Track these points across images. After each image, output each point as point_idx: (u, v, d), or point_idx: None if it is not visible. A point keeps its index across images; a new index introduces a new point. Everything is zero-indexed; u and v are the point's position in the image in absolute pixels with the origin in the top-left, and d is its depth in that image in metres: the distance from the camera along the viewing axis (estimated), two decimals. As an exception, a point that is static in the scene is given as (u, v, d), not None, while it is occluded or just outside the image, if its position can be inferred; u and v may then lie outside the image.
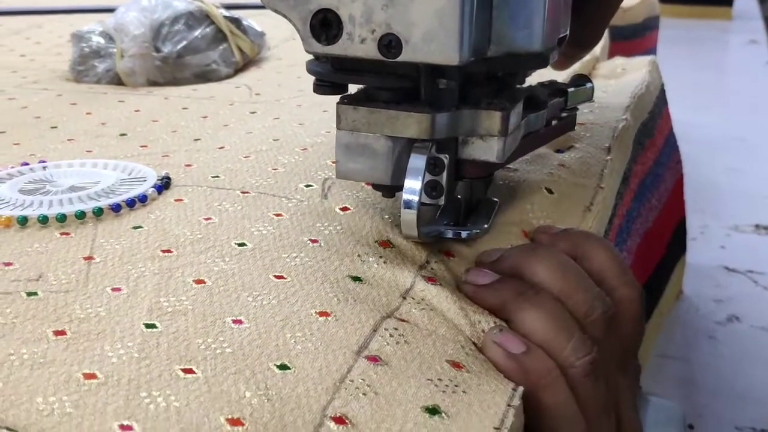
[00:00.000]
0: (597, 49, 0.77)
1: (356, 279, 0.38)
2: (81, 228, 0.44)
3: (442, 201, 0.38)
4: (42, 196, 0.47)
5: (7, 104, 0.68)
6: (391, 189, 0.39)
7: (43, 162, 0.53)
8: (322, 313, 0.35)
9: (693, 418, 0.76)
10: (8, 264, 0.40)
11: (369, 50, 0.34)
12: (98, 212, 0.45)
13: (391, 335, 0.34)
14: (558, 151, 0.52)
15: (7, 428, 0.30)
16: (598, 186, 0.48)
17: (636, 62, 0.75)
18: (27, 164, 0.53)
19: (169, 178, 0.49)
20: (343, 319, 0.35)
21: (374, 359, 0.33)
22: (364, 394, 0.31)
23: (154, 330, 0.35)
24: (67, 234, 0.43)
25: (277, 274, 0.38)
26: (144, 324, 0.35)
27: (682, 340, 0.89)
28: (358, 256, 0.40)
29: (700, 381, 0.83)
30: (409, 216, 0.37)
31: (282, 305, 0.36)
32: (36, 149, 0.57)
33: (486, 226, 0.42)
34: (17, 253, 0.41)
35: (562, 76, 0.54)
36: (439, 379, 0.32)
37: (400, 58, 0.34)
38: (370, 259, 0.39)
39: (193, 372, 0.32)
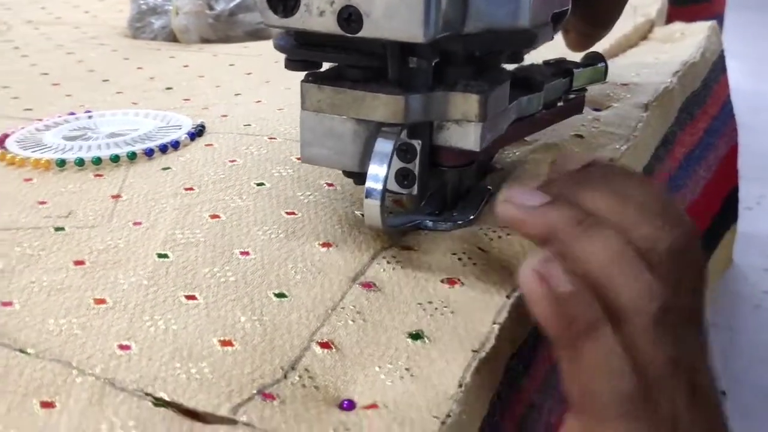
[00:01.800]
0: (652, 12, 0.75)
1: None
2: (114, 170, 0.46)
3: (414, 190, 0.34)
4: (82, 142, 0.50)
5: (65, 58, 0.71)
6: (361, 176, 0.34)
7: (89, 112, 0.56)
8: (325, 244, 0.36)
9: (730, 383, 0.74)
10: (42, 202, 0.42)
11: (328, 24, 0.30)
12: (132, 156, 0.47)
13: (388, 262, 0.35)
14: (595, 109, 0.51)
15: (20, 350, 0.31)
16: (631, 135, 0.47)
17: (695, 27, 0.72)
18: (73, 113, 0.55)
19: (203, 126, 0.51)
20: (344, 249, 0.36)
21: (368, 285, 0.34)
22: (353, 320, 0.32)
23: (166, 259, 0.36)
24: (100, 176, 0.45)
25: (289, 210, 0.39)
26: (157, 254, 0.36)
27: (728, 308, 0.86)
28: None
29: (741, 348, 0.81)
30: (372, 206, 0.33)
31: (289, 238, 0.37)
32: (86, 100, 0.59)
33: (472, 217, 0.37)
34: (52, 193, 0.43)
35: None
36: (429, 302, 0.32)
37: (360, 34, 0.30)
38: None
39: (195, 298, 0.34)
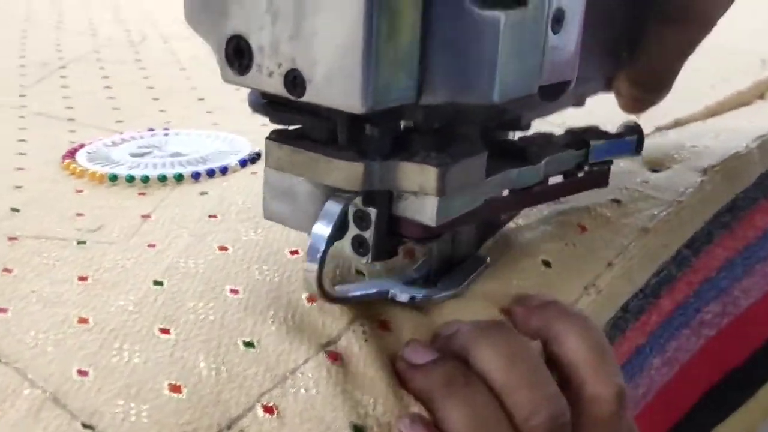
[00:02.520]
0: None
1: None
2: (158, 190, 0.47)
3: (369, 259, 0.32)
4: (146, 159, 0.51)
5: (177, 74, 0.74)
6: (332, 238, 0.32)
7: (167, 129, 0.57)
8: (312, 299, 0.35)
9: None
10: (80, 214, 0.44)
11: (276, 85, 0.29)
12: (178, 177, 0.48)
13: (364, 332, 0.33)
14: (653, 170, 0.47)
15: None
16: (675, 201, 0.43)
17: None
18: (152, 130, 0.57)
19: (258, 154, 0.51)
20: (329, 308, 0.34)
21: (335, 357, 0.32)
22: (306, 390, 0.30)
23: (159, 287, 0.36)
24: (144, 194, 0.46)
25: (293, 249, 0.38)
26: (153, 281, 0.37)
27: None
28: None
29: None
30: (309, 270, 0.31)
31: (282, 283, 0.36)
32: (175, 117, 0.62)
33: (450, 293, 0.35)
34: (92, 206, 0.45)
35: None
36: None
37: (304, 98, 0.29)
38: None
39: (168, 333, 0.33)
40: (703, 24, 0.39)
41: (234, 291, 0.36)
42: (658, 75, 0.40)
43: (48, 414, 0.29)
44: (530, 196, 0.36)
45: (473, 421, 0.30)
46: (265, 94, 0.31)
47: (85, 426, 0.29)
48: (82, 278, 0.37)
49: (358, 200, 0.32)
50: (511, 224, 0.41)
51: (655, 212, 0.42)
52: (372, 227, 0.32)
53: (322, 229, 0.31)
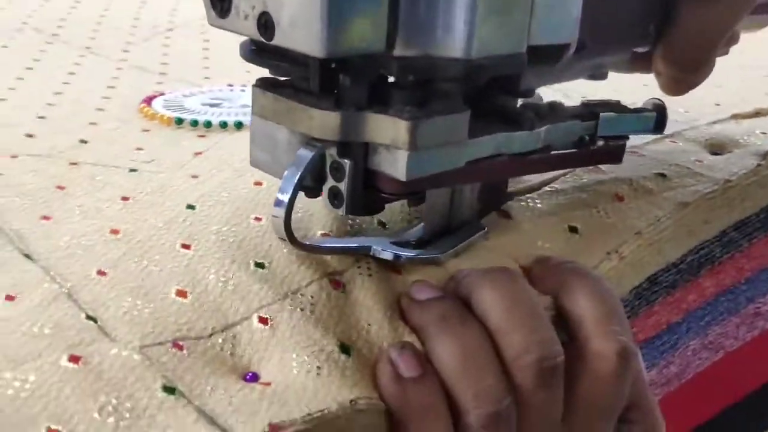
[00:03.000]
0: None
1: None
2: (218, 134, 0.49)
3: (342, 211, 0.32)
4: (214, 109, 0.53)
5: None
6: (313, 190, 0.33)
7: (244, 86, 0.60)
8: (326, 235, 0.36)
9: None
10: (139, 149, 0.46)
11: (250, 28, 0.29)
12: (238, 125, 0.50)
13: (369, 268, 0.34)
14: (714, 153, 0.45)
15: (26, 255, 0.35)
16: (724, 180, 0.41)
17: None
18: (231, 86, 0.60)
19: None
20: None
21: (337, 284, 0.33)
22: (302, 309, 0.31)
23: (191, 210, 0.38)
24: (203, 136, 0.49)
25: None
26: (186, 204, 0.38)
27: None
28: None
29: None
30: (277, 215, 0.31)
31: (304, 218, 0.37)
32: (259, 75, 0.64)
33: (437, 256, 0.34)
34: (153, 143, 0.47)
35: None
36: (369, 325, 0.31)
37: (273, 42, 0.28)
38: None
39: (189, 248, 0.35)
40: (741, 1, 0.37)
41: (257, 219, 0.37)
42: (694, 53, 0.39)
43: (58, 306, 0.31)
44: (525, 163, 0.35)
45: (461, 356, 0.30)
46: (253, 41, 0.32)
47: (88, 317, 0.30)
48: (125, 198, 0.40)
49: (335, 152, 0.31)
50: (546, 188, 0.41)
51: (700, 188, 0.40)
52: (346, 178, 0.31)
53: (292, 175, 0.31)
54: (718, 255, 0.42)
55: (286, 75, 0.32)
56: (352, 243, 0.34)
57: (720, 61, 0.40)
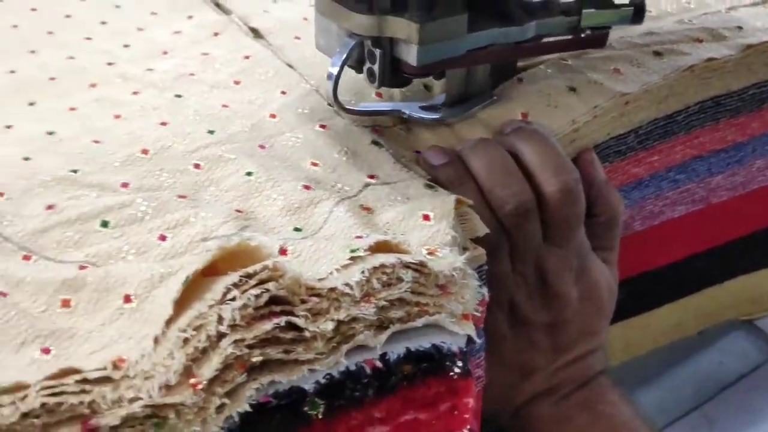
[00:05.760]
0: None
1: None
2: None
3: (377, 86, 0.45)
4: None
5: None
6: (355, 68, 0.46)
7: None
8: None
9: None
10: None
11: None
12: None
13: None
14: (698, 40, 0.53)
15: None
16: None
17: None
18: None
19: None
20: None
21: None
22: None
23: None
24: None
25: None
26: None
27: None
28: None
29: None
30: (328, 84, 0.44)
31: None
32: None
33: (439, 116, 0.47)
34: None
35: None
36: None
37: None
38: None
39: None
40: None
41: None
42: None
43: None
44: (517, 50, 0.47)
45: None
46: None
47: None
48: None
49: (370, 43, 0.44)
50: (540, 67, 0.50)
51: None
52: (377, 62, 0.44)
53: (339, 55, 0.44)
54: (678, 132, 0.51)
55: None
56: (388, 107, 0.48)
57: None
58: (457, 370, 0.35)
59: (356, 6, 0.43)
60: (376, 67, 0.44)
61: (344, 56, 0.44)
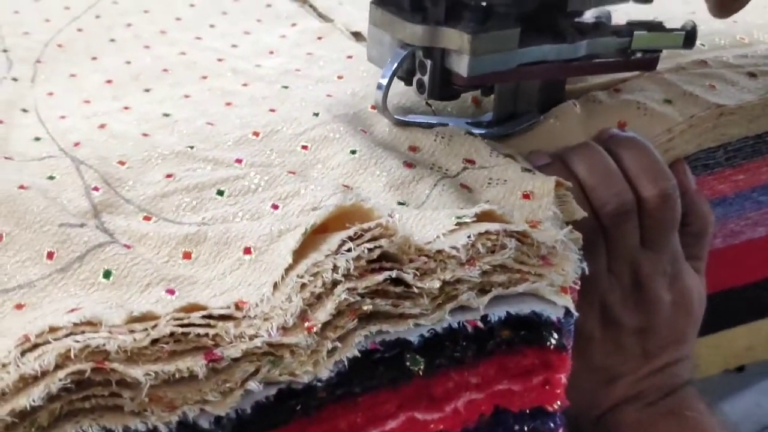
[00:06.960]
0: None
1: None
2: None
3: (426, 97, 0.45)
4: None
5: None
6: (405, 79, 0.46)
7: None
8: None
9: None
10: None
11: None
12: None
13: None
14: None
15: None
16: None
17: None
18: None
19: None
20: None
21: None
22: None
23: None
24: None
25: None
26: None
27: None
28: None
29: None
30: (377, 95, 0.45)
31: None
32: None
33: (485, 131, 0.47)
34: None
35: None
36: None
37: None
38: None
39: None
40: None
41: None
42: None
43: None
44: (568, 68, 0.47)
45: None
46: None
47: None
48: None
49: (421, 54, 0.44)
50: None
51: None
52: (428, 73, 0.44)
53: (390, 65, 0.45)
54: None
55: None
56: (433, 119, 0.48)
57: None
58: (553, 341, 0.36)
59: (411, 16, 0.43)
60: (426, 78, 0.44)
61: (395, 66, 0.44)
